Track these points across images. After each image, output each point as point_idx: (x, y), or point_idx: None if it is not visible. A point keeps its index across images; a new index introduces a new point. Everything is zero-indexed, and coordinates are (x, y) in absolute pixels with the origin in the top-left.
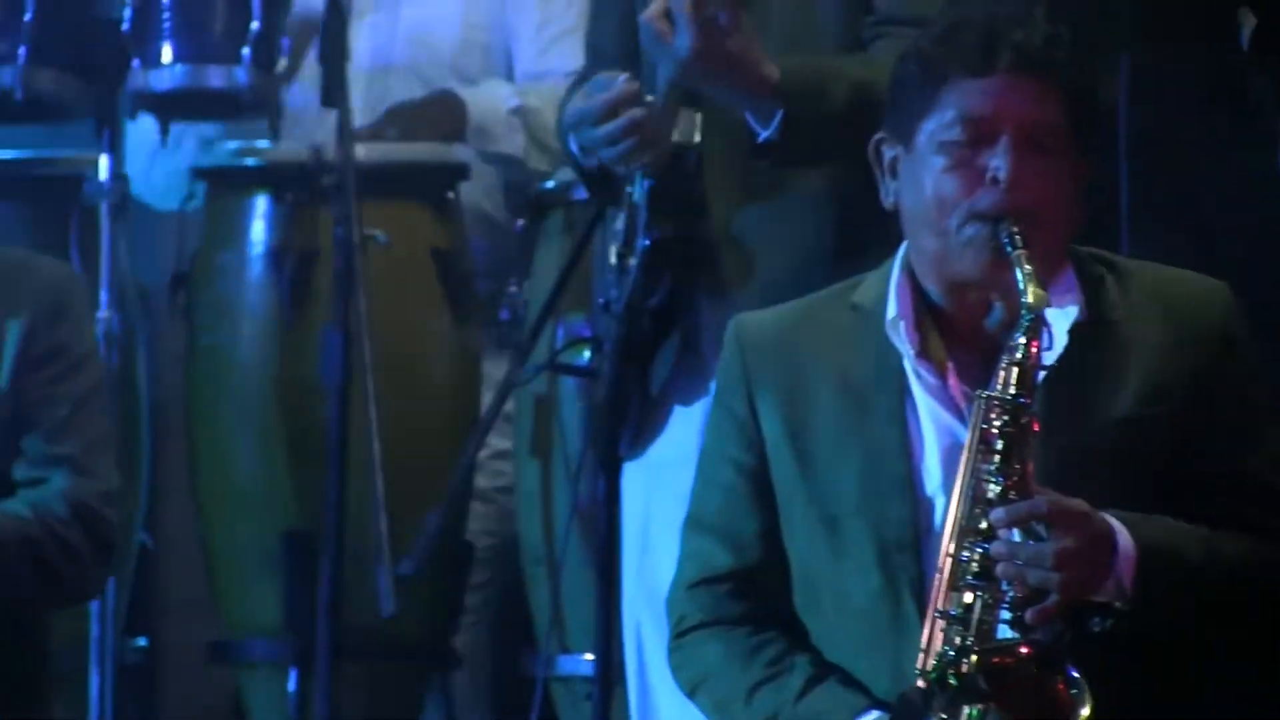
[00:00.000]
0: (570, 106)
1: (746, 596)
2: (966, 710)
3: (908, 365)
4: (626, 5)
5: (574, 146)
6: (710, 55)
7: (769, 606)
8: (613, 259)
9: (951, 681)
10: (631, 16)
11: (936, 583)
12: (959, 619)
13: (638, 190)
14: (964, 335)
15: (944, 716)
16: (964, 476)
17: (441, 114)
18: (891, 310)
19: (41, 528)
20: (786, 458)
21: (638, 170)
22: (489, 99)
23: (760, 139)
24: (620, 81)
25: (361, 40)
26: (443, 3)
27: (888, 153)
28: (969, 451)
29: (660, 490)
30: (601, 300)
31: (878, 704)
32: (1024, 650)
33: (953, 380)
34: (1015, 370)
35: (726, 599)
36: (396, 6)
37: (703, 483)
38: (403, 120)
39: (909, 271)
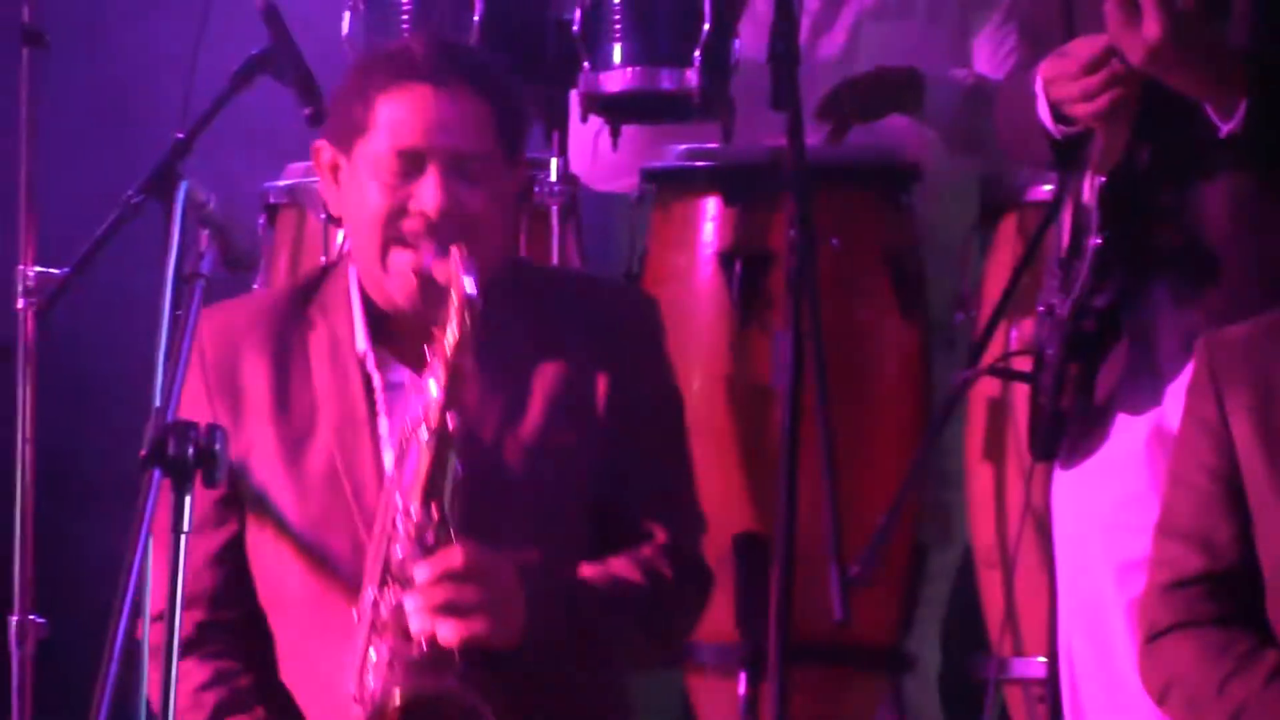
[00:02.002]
0: (1046, 66)
1: (1218, 599)
2: None
3: None
4: None
5: (1043, 114)
6: (1180, 42)
7: (1241, 609)
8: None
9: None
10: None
11: None
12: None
13: (1086, 189)
14: None
15: None
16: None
17: (900, 87)
18: None
19: (654, 586)
20: (1259, 462)
21: (1087, 169)
22: (943, 83)
23: (1221, 133)
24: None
25: (820, 49)
26: (904, 19)
27: (326, 158)
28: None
29: (1097, 500)
30: (1043, 307)
31: None
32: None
33: None
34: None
35: (1198, 602)
36: (859, 21)
37: (1174, 489)
38: (860, 95)
39: None
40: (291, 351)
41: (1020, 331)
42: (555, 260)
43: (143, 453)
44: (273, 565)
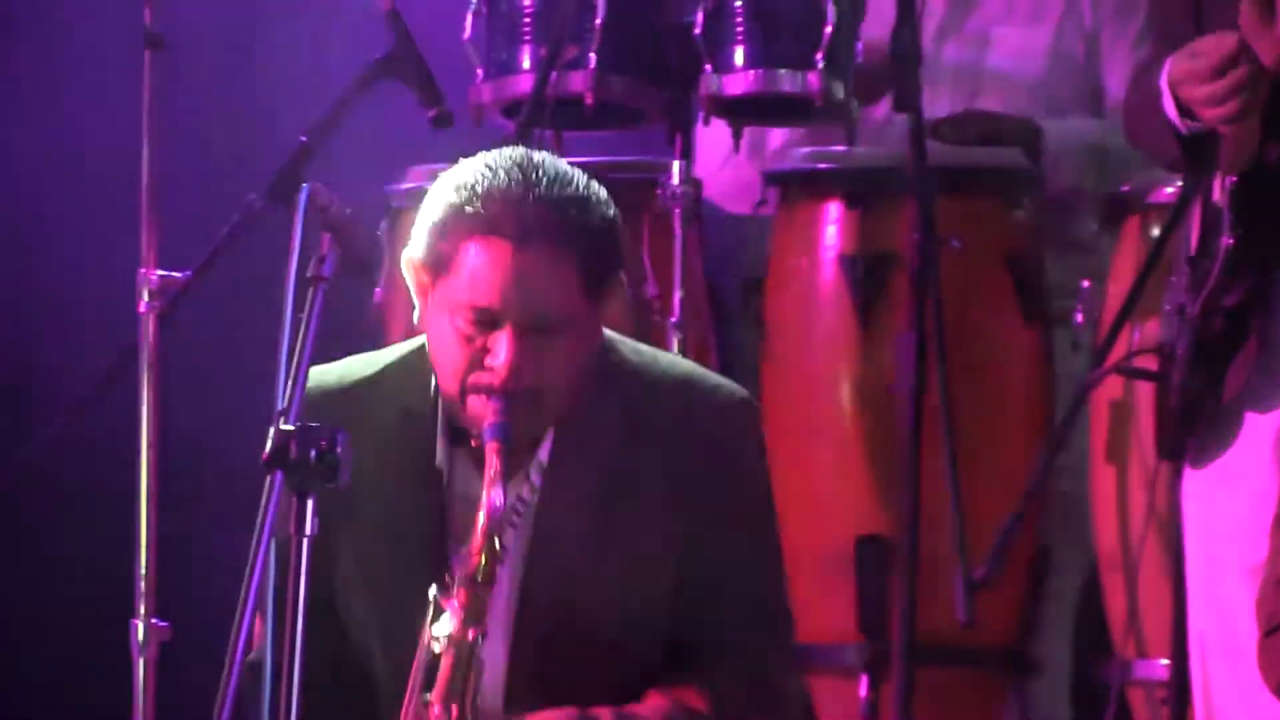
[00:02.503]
0: (1174, 65)
1: None
2: None
3: None
4: None
5: (1170, 112)
6: None
7: None
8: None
9: None
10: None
11: None
12: None
13: (1216, 188)
14: None
15: None
16: None
17: (1015, 138)
18: None
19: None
20: None
21: (1215, 169)
22: (1067, 135)
23: None
24: (1226, 40)
25: (945, 53)
26: (1035, 26)
27: (417, 277)
28: None
29: (1227, 500)
30: (1169, 306)
31: None
32: None
33: None
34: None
35: None
36: (987, 26)
37: None
38: (974, 130)
39: None
40: (400, 440)
41: (1143, 333)
42: (678, 263)
43: (265, 456)
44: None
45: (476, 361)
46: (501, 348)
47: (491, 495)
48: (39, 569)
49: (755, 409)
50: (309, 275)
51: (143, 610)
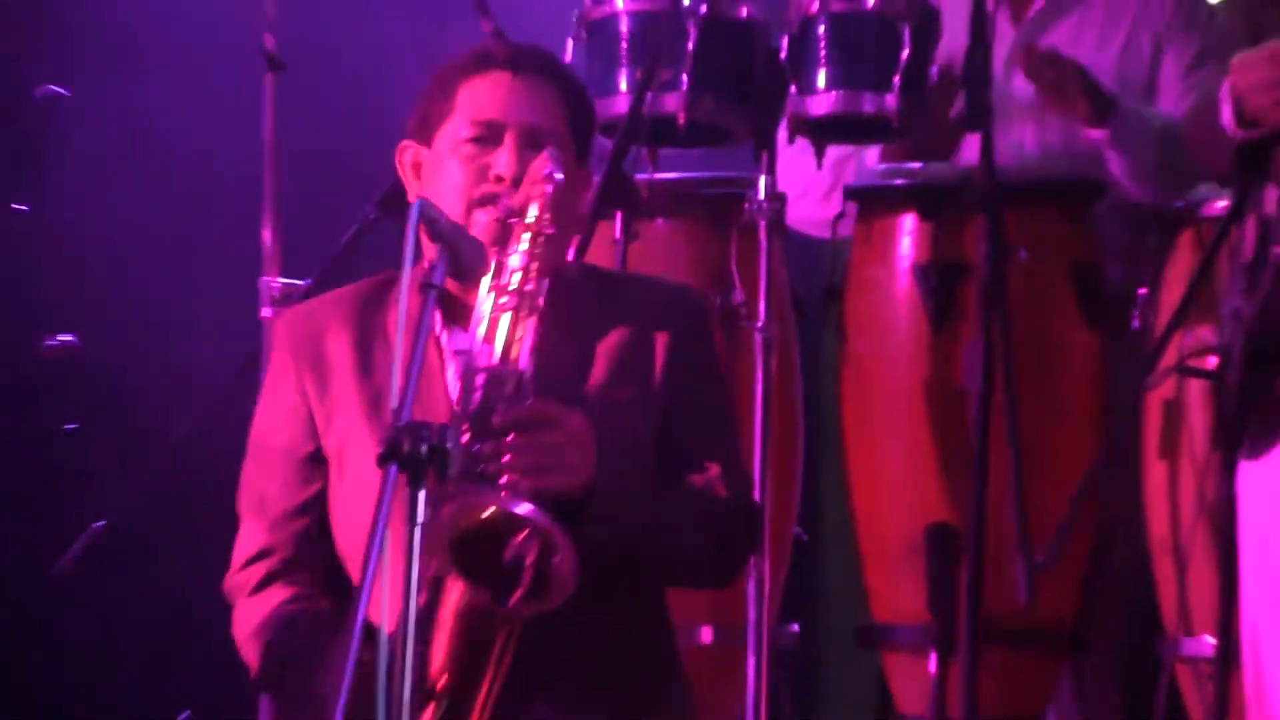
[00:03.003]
0: (1238, 74)
1: None
2: None
3: None
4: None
5: (1227, 119)
6: None
7: None
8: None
9: None
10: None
11: None
12: None
13: (1271, 200)
14: None
15: None
16: None
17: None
18: None
19: (710, 504)
20: None
21: (1269, 179)
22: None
23: None
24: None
25: (1015, 83)
26: (1101, 51)
27: (408, 158)
28: None
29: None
30: (1227, 310)
31: None
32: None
33: None
34: None
35: None
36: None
37: None
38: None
39: None
40: (372, 325)
41: (1192, 337)
42: (763, 272)
43: (380, 451)
44: (349, 514)
45: (480, 176)
46: (505, 153)
47: (544, 162)
48: (170, 566)
49: (706, 306)
50: (421, 283)
51: None
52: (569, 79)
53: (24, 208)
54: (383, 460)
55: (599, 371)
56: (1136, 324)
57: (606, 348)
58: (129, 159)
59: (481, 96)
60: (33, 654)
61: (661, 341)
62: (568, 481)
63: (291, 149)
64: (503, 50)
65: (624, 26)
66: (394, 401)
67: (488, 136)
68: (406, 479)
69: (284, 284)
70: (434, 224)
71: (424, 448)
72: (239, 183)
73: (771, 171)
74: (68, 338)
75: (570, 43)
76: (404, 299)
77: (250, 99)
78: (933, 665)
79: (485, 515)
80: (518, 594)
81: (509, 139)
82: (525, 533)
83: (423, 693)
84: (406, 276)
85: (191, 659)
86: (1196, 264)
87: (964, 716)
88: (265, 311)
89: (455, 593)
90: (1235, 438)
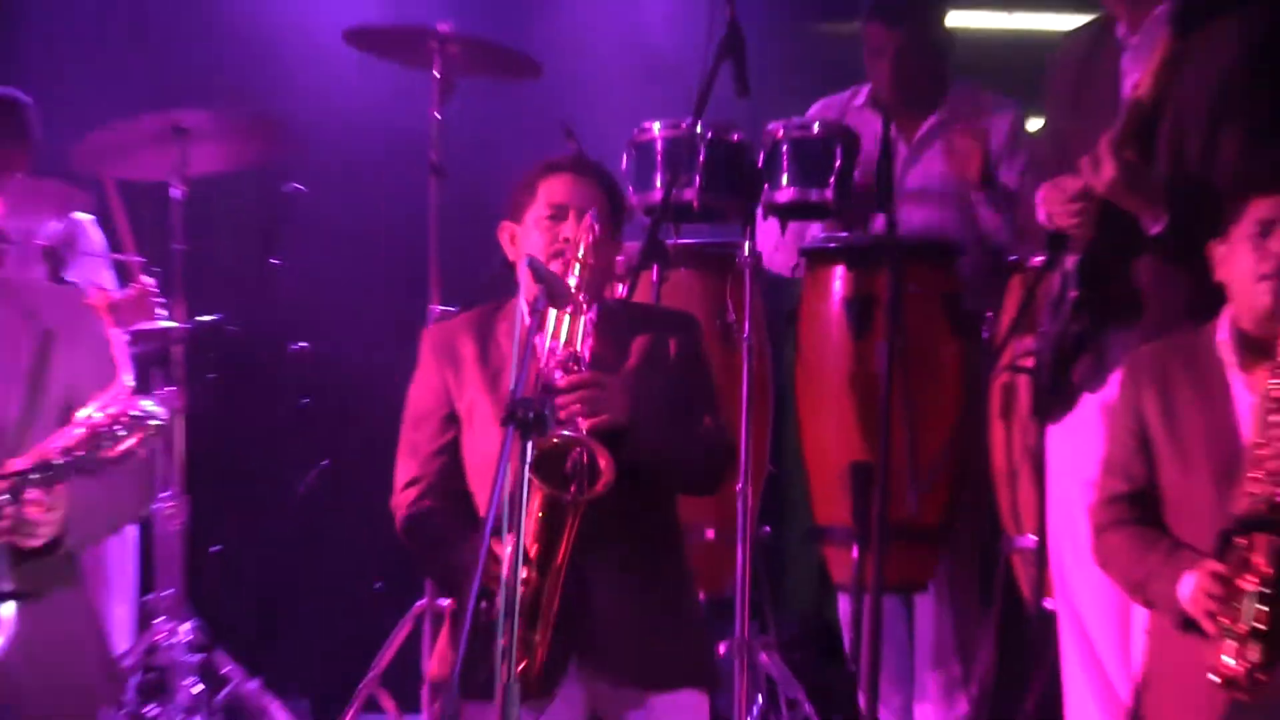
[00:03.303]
0: (1045, 191)
1: (1135, 509)
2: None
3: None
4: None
5: (1041, 218)
6: (1125, 180)
7: (1149, 516)
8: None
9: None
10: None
11: None
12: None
13: (1069, 261)
14: None
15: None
16: None
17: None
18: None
19: (703, 438)
20: (1159, 429)
21: (1070, 250)
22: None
23: (1150, 233)
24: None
25: (908, 180)
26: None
27: (506, 234)
28: None
29: (1070, 443)
30: (1040, 329)
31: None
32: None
33: None
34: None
35: (1124, 511)
36: (931, 163)
37: (1111, 442)
38: None
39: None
40: (489, 333)
41: (1020, 346)
42: (748, 301)
43: (502, 419)
44: (474, 454)
45: (554, 239)
46: (569, 225)
47: (589, 217)
48: (362, 491)
49: (697, 323)
50: (531, 307)
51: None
52: (609, 179)
53: (277, 262)
54: (504, 422)
55: (633, 361)
56: (985, 335)
57: (637, 347)
58: (340, 232)
59: (555, 189)
60: (273, 544)
61: (672, 343)
62: (610, 418)
63: (446, 221)
64: (567, 159)
65: (659, 146)
66: (511, 383)
67: (557, 215)
68: (519, 434)
69: (443, 310)
70: (537, 271)
71: (530, 414)
72: (410, 249)
73: (752, 238)
74: (303, 345)
75: (624, 157)
76: (519, 318)
77: (419, 193)
78: (855, 553)
79: (553, 441)
80: (573, 487)
81: (571, 215)
82: (577, 449)
83: (522, 560)
84: (522, 303)
85: (379, 545)
86: (1023, 298)
87: (874, 585)
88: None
89: (538, 493)
90: (1045, 410)
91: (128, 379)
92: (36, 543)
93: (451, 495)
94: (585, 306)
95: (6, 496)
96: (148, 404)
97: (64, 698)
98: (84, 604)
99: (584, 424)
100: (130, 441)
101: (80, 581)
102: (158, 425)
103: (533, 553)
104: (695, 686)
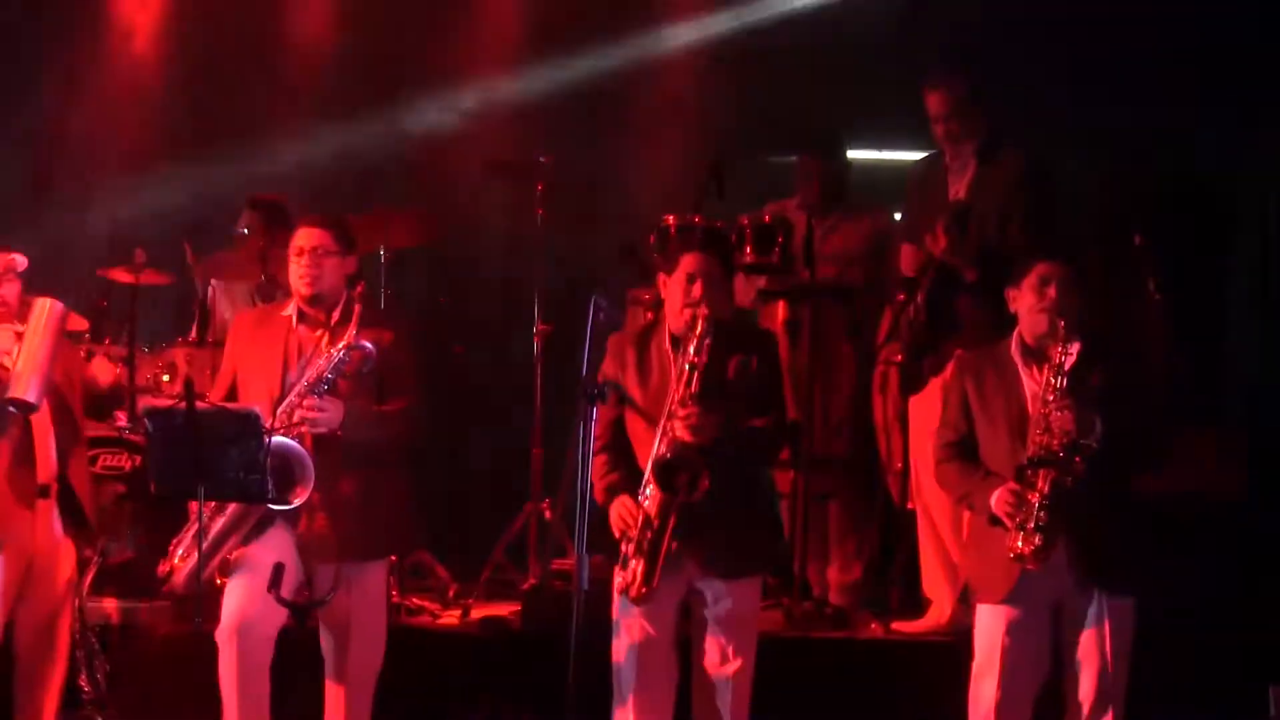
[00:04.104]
0: (906, 252)
1: (960, 451)
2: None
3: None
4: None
5: (905, 264)
6: (950, 248)
7: (971, 454)
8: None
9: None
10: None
11: None
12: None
13: (920, 295)
14: None
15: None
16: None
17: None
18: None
19: (767, 428)
20: (974, 400)
21: (919, 289)
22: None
23: (968, 280)
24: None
25: (828, 245)
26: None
27: (661, 279)
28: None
29: (923, 408)
30: (903, 337)
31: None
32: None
33: None
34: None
35: (954, 451)
36: (837, 236)
37: (945, 407)
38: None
39: None
40: (648, 345)
41: (890, 349)
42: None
43: (579, 391)
44: (632, 429)
45: (688, 296)
46: (696, 290)
47: (705, 321)
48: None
49: (775, 336)
50: (592, 324)
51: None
52: (726, 254)
53: (444, 300)
54: (578, 396)
55: (730, 369)
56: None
57: (733, 360)
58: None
59: (689, 263)
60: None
61: (755, 355)
62: (703, 437)
63: (552, 244)
64: (697, 236)
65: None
66: (584, 372)
67: (690, 281)
68: (589, 402)
69: (542, 328)
70: (600, 295)
71: (596, 390)
72: (518, 271)
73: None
74: (460, 349)
75: (652, 237)
76: (590, 337)
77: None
78: (791, 474)
79: (666, 455)
80: (681, 491)
81: (699, 282)
82: (685, 462)
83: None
84: (590, 321)
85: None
86: (892, 320)
87: (804, 493)
88: (536, 337)
89: (655, 491)
90: (907, 388)
91: (354, 332)
92: (321, 430)
93: (619, 452)
94: (699, 350)
95: (311, 401)
96: (365, 343)
97: (369, 540)
98: (392, 475)
99: (690, 440)
100: (355, 365)
101: (391, 464)
102: (370, 356)
103: (654, 515)
104: (757, 574)
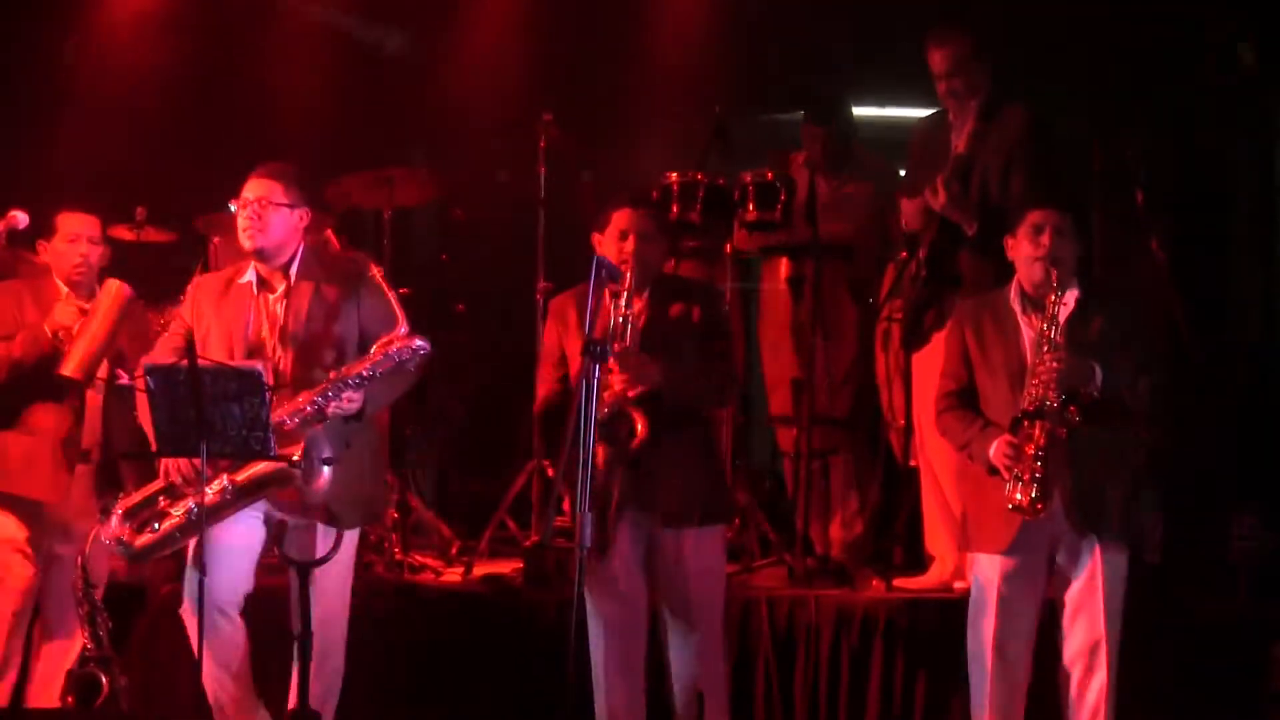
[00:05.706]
0: (905, 209)
1: (962, 400)
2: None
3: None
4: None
5: (905, 221)
6: (949, 204)
7: (972, 404)
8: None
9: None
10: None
11: None
12: None
13: (922, 251)
14: None
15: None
16: None
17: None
18: None
19: (716, 374)
20: (974, 350)
21: (920, 246)
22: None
23: (968, 234)
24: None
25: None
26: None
27: (597, 242)
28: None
29: (926, 362)
30: (906, 295)
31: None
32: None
33: None
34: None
35: (956, 401)
36: (843, 186)
37: (946, 358)
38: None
39: None
40: (583, 304)
41: (892, 306)
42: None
43: (581, 349)
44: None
45: (621, 251)
46: (628, 246)
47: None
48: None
49: (721, 291)
50: (594, 283)
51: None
52: (660, 213)
53: (445, 258)
54: (582, 354)
55: (674, 317)
56: (873, 301)
57: (675, 310)
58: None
59: (619, 218)
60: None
61: (698, 308)
62: (642, 388)
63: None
64: (629, 197)
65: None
66: (586, 332)
67: (622, 237)
68: (593, 360)
69: (546, 284)
70: (606, 265)
71: (598, 350)
72: (519, 230)
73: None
74: (461, 306)
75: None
76: (592, 296)
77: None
78: (795, 432)
79: (607, 408)
80: (622, 443)
81: (631, 237)
82: (623, 413)
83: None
84: (592, 284)
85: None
86: (894, 276)
87: (805, 451)
88: (539, 297)
89: (600, 447)
90: (909, 344)
91: (403, 324)
92: (353, 409)
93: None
94: (629, 296)
95: (332, 392)
96: (418, 340)
97: (356, 505)
98: (372, 443)
99: (630, 393)
100: (408, 364)
101: (373, 432)
102: (425, 353)
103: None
104: (716, 523)
